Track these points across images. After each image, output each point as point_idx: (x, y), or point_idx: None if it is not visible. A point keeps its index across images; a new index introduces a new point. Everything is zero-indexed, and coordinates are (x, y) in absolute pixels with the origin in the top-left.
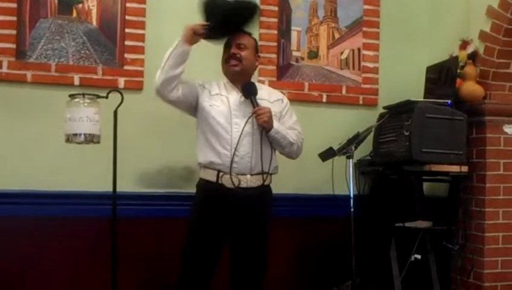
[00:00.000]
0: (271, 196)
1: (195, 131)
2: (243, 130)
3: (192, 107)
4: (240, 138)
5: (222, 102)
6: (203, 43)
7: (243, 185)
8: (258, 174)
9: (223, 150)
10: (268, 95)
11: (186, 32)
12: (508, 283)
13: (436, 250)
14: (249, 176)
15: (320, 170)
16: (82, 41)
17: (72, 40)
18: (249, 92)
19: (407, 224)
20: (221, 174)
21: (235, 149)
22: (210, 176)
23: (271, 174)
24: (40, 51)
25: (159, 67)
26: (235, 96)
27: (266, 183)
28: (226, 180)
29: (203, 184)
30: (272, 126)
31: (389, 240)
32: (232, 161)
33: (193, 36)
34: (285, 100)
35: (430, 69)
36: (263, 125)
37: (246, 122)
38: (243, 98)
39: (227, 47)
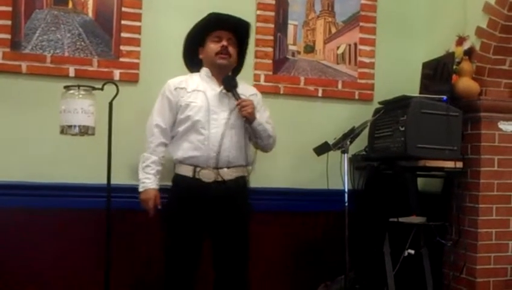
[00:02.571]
0: (247, 187)
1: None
2: (224, 125)
3: None
4: (218, 133)
5: (200, 98)
6: None
7: (220, 179)
8: (234, 167)
9: (201, 146)
10: (245, 90)
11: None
12: (500, 278)
13: (430, 245)
14: (226, 169)
15: (315, 164)
16: (78, 33)
17: (68, 31)
18: (230, 85)
19: (401, 219)
20: (198, 169)
21: (213, 145)
22: (186, 171)
23: (247, 166)
24: (35, 42)
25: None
26: (213, 90)
27: (242, 175)
28: (203, 175)
29: (179, 180)
30: (255, 117)
31: (382, 235)
32: (211, 156)
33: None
34: (259, 95)
35: (426, 65)
36: (247, 116)
37: (230, 115)
38: (221, 91)
39: (216, 38)
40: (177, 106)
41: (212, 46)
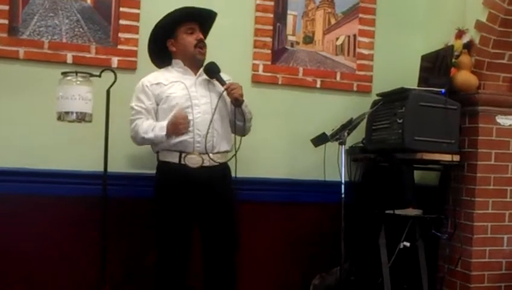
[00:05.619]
0: (230, 172)
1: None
2: (207, 111)
3: None
4: (202, 119)
5: (179, 88)
6: None
7: (206, 164)
8: (218, 153)
9: (187, 132)
10: (223, 76)
11: (172, 131)
12: (495, 272)
13: (425, 238)
14: (211, 154)
15: (312, 155)
16: (76, 19)
17: (66, 17)
18: (214, 71)
19: (397, 211)
20: (183, 154)
21: (198, 130)
22: (172, 157)
23: (229, 152)
24: (33, 27)
25: (136, 136)
26: (190, 80)
27: (225, 160)
28: (189, 160)
29: (165, 166)
30: (244, 99)
31: (378, 227)
32: (196, 142)
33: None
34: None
35: (425, 58)
36: (238, 98)
37: (212, 101)
38: (198, 78)
39: (190, 30)
40: (157, 97)
41: (190, 39)
